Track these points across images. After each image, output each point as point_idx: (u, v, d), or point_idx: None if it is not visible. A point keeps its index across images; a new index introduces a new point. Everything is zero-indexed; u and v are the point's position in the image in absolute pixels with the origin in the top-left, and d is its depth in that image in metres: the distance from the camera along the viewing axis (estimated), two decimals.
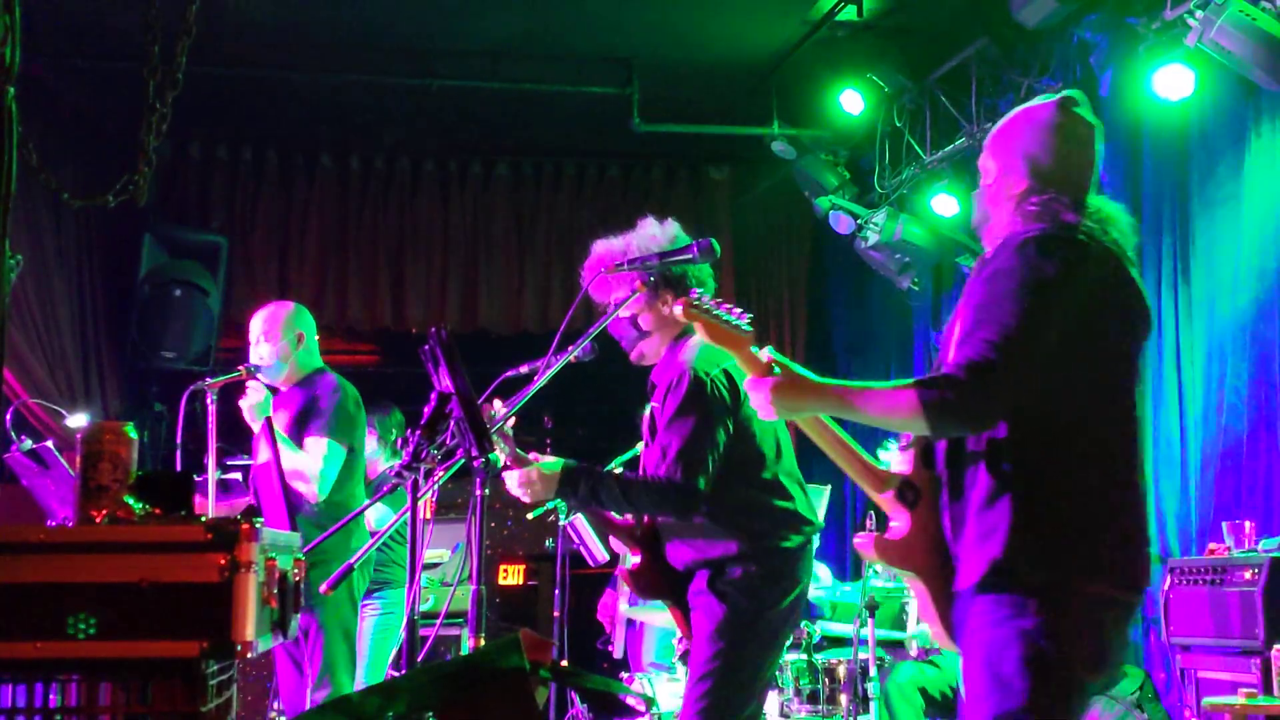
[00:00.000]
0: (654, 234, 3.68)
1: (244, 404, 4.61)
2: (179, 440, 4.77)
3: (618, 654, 7.02)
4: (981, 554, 2.49)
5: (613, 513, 3.68)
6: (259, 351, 4.80)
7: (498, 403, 3.50)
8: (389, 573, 5.84)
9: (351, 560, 3.30)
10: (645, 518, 3.70)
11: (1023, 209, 2.67)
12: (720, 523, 3.50)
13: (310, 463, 4.59)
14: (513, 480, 3.50)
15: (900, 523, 2.68)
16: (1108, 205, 2.72)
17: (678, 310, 2.71)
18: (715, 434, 3.47)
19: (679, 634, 4.22)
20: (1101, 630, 2.50)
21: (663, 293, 3.62)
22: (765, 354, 2.66)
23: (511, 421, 3.58)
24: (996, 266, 2.56)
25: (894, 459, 2.78)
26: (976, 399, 2.46)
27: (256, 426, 4.60)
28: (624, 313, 3.61)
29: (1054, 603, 2.45)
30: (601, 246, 3.71)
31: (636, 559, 3.69)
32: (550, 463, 3.52)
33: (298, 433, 4.67)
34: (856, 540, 2.78)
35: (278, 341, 4.79)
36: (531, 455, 3.55)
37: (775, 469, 3.57)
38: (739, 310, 2.73)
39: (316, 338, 4.95)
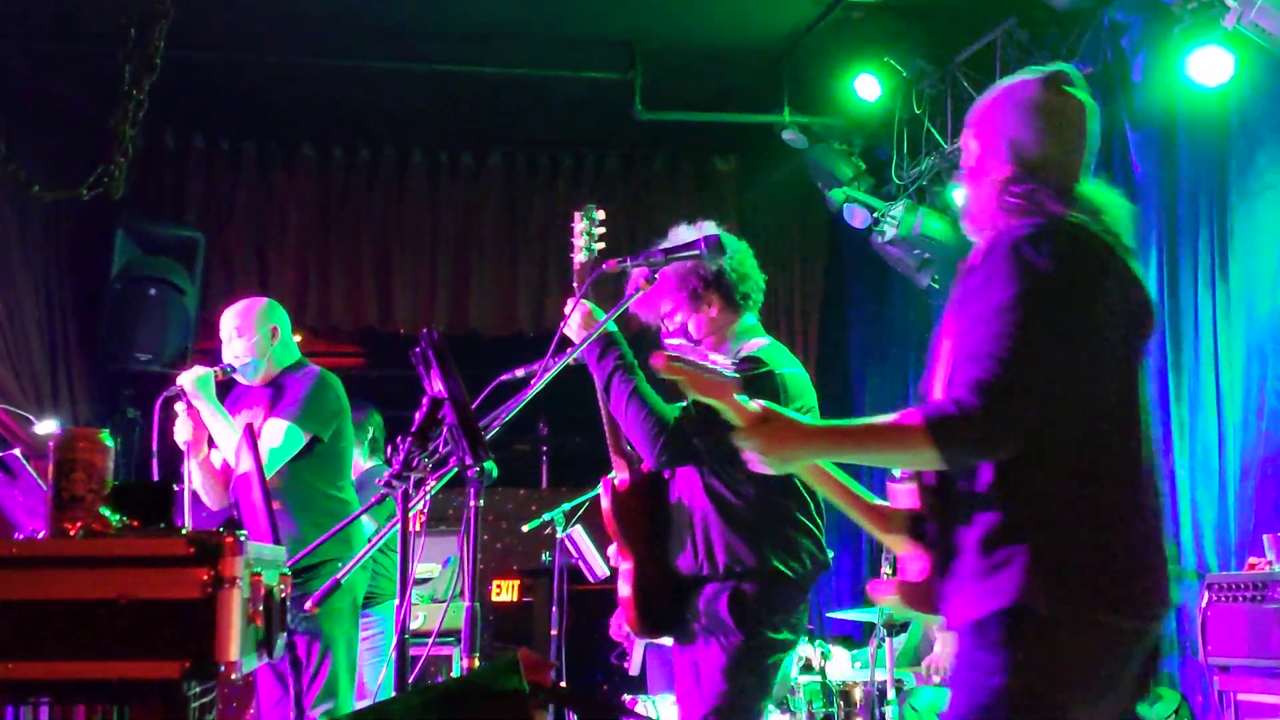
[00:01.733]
0: (686, 237, 3.71)
1: (183, 379, 4.62)
2: (154, 448, 4.77)
3: (634, 671, 7.00)
4: (986, 589, 2.41)
5: (607, 408, 3.71)
6: (232, 349, 4.80)
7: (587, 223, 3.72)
8: (375, 585, 5.85)
9: (338, 574, 3.31)
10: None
11: (1005, 199, 2.59)
12: (743, 528, 3.54)
13: (264, 444, 4.59)
14: (575, 313, 3.66)
15: (918, 564, 2.59)
16: (1100, 192, 2.63)
17: (655, 362, 2.64)
18: None
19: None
20: (1106, 663, 2.44)
21: (707, 295, 3.68)
22: (757, 404, 2.58)
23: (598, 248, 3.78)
24: (989, 272, 2.47)
25: (898, 493, 2.70)
26: (994, 423, 2.37)
27: (203, 410, 4.61)
28: (679, 318, 3.69)
29: (1055, 638, 2.38)
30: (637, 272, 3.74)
31: (624, 476, 3.70)
32: (600, 314, 3.65)
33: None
34: (871, 588, 2.71)
35: (252, 337, 4.80)
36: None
37: (807, 494, 3.63)
38: (723, 359, 2.70)
39: (292, 331, 4.96)
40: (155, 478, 4.60)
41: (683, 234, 3.73)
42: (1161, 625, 2.52)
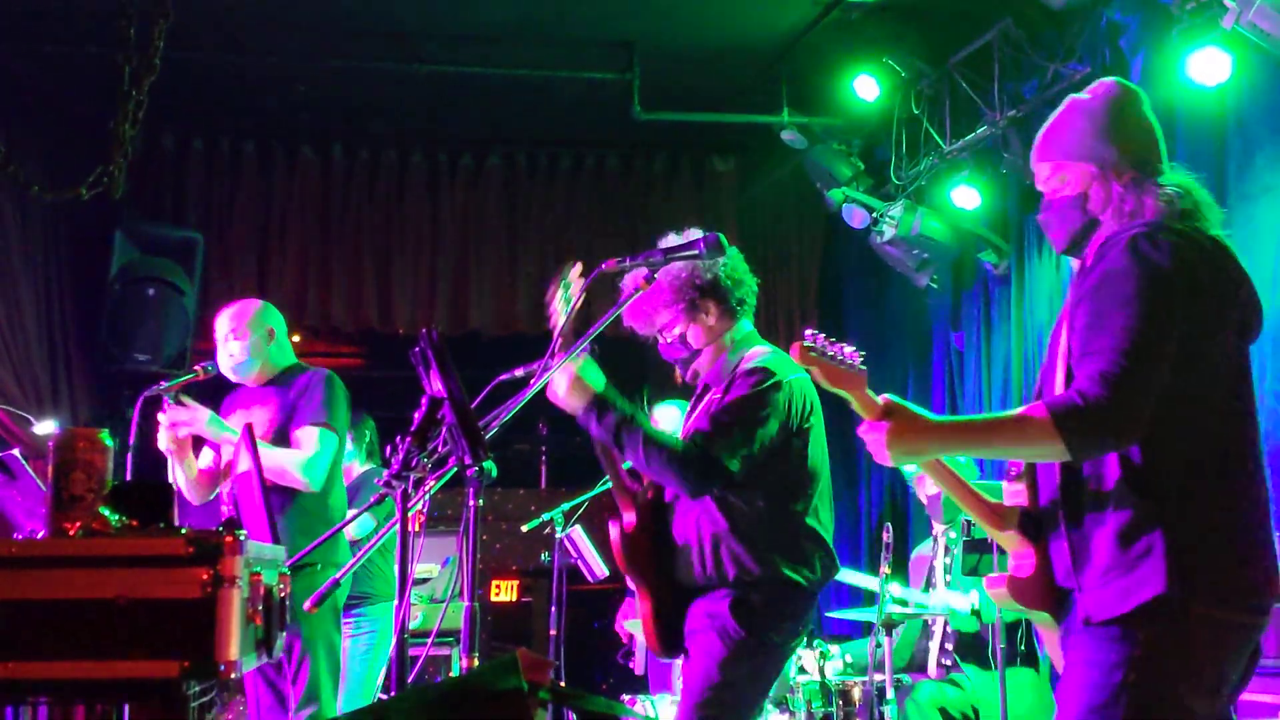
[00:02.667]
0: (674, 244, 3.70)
1: (172, 426, 4.59)
2: (130, 443, 4.75)
3: (639, 670, 7.01)
4: (1122, 586, 2.46)
5: (622, 460, 3.68)
6: (228, 350, 4.81)
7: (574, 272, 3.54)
8: (369, 586, 5.85)
9: (338, 575, 3.31)
10: (652, 493, 3.72)
11: (1120, 210, 2.65)
12: (751, 538, 3.54)
13: (295, 454, 4.60)
14: (559, 377, 3.52)
15: (1028, 560, 2.65)
16: (1187, 180, 2.70)
17: (793, 354, 2.67)
18: (767, 429, 3.54)
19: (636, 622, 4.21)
20: (1222, 656, 2.50)
21: (703, 304, 3.67)
22: (884, 398, 2.62)
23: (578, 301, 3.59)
24: (1107, 269, 2.52)
25: (1007, 492, 2.75)
26: (1119, 412, 2.42)
27: (224, 443, 4.61)
28: (667, 335, 3.68)
29: (1177, 629, 2.43)
30: (629, 280, 3.70)
31: (631, 517, 3.69)
32: (593, 374, 3.56)
33: (283, 430, 4.68)
34: (987, 582, 2.74)
35: (248, 338, 4.80)
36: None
37: (817, 500, 3.64)
38: (851, 349, 2.72)
39: (288, 332, 4.97)
40: (129, 477, 4.60)
41: (673, 242, 3.72)
42: (1269, 619, 2.56)
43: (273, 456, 4.55)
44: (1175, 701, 2.44)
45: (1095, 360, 2.45)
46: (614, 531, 3.69)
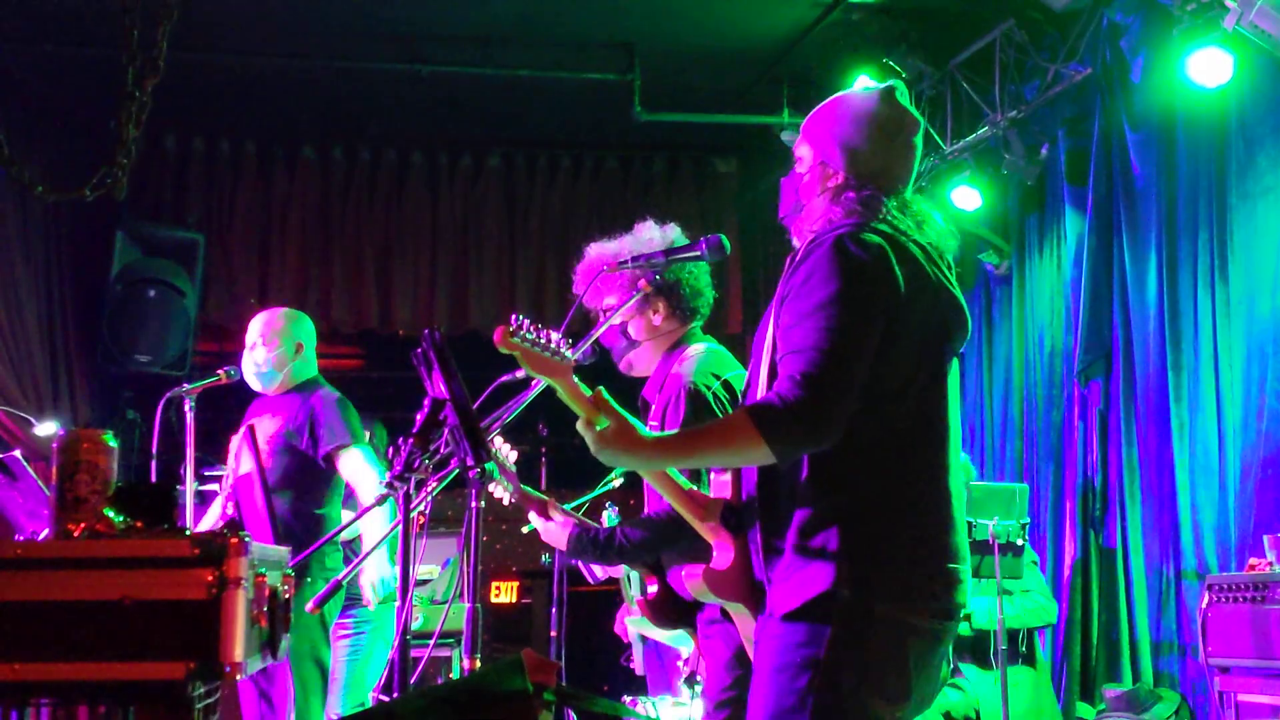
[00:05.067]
0: (652, 237, 3.68)
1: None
2: (154, 450, 4.77)
3: (640, 670, 7.01)
4: (801, 577, 2.48)
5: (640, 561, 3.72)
6: (254, 356, 4.79)
7: (499, 440, 3.56)
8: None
9: (340, 576, 3.31)
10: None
11: (840, 203, 2.66)
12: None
13: (363, 481, 4.67)
14: (542, 530, 3.68)
15: (727, 553, 2.67)
16: (924, 205, 2.74)
17: (495, 338, 2.65)
18: None
19: (686, 656, 4.24)
20: (904, 662, 2.48)
21: (654, 301, 3.65)
22: (596, 391, 2.61)
23: (513, 458, 3.73)
24: (811, 266, 2.52)
25: (714, 483, 2.76)
26: (820, 415, 2.42)
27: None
28: (616, 318, 3.63)
29: (856, 631, 2.44)
30: (595, 249, 3.71)
31: (654, 588, 3.70)
32: (558, 528, 3.65)
33: (287, 445, 4.69)
34: (684, 573, 2.74)
35: (275, 348, 4.79)
36: (549, 502, 3.71)
37: None
38: (559, 337, 2.69)
39: (315, 348, 4.95)
40: (153, 479, 4.61)
41: (649, 231, 3.69)
42: (955, 626, 2.57)
43: (367, 524, 4.62)
44: (858, 706, 2.45)
45: (796, 361, 2.45)
46: (640, 604, 3.72)
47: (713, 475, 2.81)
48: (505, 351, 2.67)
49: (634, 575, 3.88)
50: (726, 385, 3.54)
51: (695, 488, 2.79)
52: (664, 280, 3.62)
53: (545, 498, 3.74)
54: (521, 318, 2.68)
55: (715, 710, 3.50)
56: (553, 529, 3.68)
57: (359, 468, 4.72)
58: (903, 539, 2.50)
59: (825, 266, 2.50)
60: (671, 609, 3.72)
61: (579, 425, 2.59)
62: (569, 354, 2.68)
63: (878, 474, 2.51)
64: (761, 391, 2.58)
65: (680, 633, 3.80)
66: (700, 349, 3.65)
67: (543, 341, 2.67)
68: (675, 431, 2.67)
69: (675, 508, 2.77)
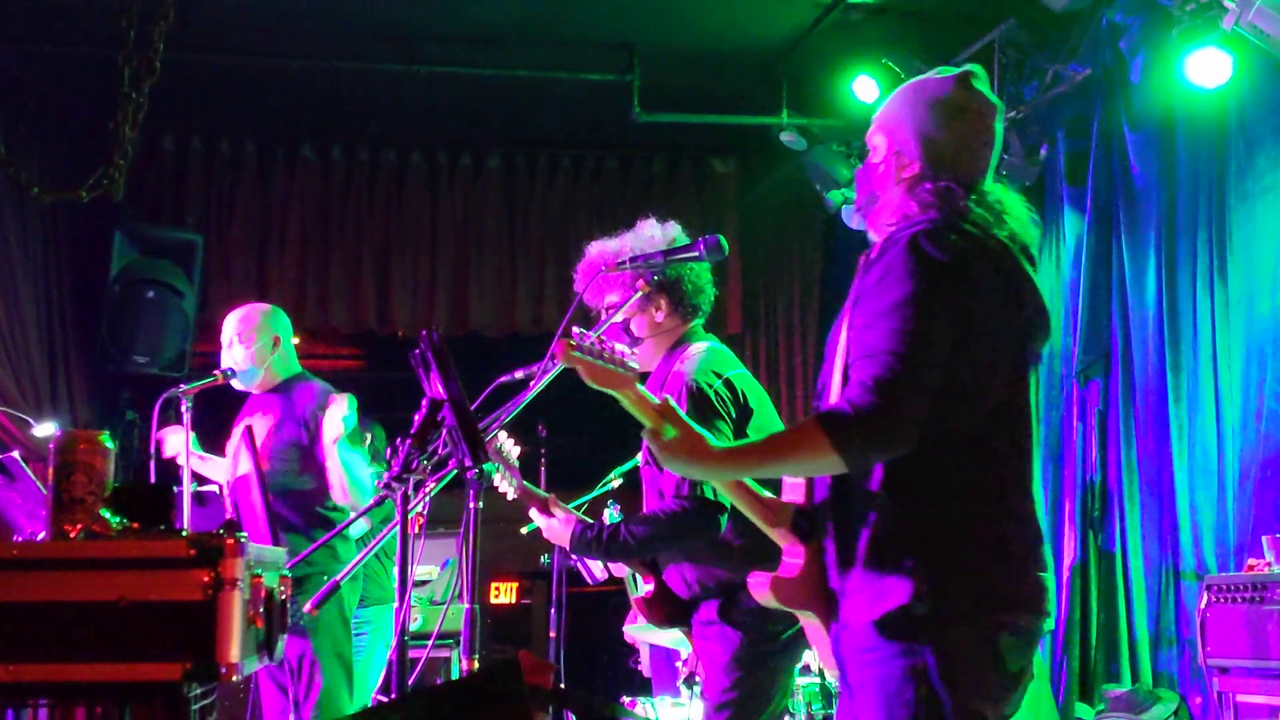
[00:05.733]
0: (653, 235, 3.69)
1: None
2: (152, 450, 4.77)
3: (648, 673, 7.00)
4: (878, 589, 2.42)
5: (641, 559, 3.72)
6: (232, 355, 4.80)
7: (503, 435, 3.56)
8: (366, 589, 5.84)
9: (337, 577, 3.31)
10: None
11: (916, 195, 2.58)
12: (728, 547, 3.53)
13: (349, 481, 4.67)
14: (544, 527, 3.72)
15: (796, 559, 2.61)
16: (1006, 194, 2.63)
17: (555, 351, 2.62)
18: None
19: (684, 657, 4.25)
20: (1000, 661, 2.44)
21: (656, 298, 3.66)
22: (661, 400, 2.56)
23: (517, 454, 3.77)
24: (886, 266, 2.45)
25: (786, 486, 2.70)
26: (891, 421, 2.35)
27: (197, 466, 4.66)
28: (618, 316, 3.63)
29: (950, 638, 2.39)
30: (596, 248, 3.73)
31: (649, 586, 3.71)
32: (561, 525, 3.68)
33: (283, 443, 4.68)
34: (750, 581, 2.67)
35: (252, 345, 4.79)
36: (550, 498, 3.75)
37: None
38: (623, 350, 2.67)
39: (294, 341, 4.96)
40: (153, 480, 4.61)
41: (650, 229, 3.70)
42: (1042, 628, 2.52)
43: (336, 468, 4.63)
44: (964, 712, 2.40)
45: (869, 365, 2.38)
46: (636, 602, 3.74)
47: (785, 479, 2.73)
48: (567, 365, 2.63)
49: (636, 576, 3.88)
50: (728, 383, 3.55)
51: (769, 494, 2.73)
52: (665, 277, 3.63)
53: (547, 495, 3.75)
54: (582, 331, 2.66)
55: (715, 712, 3.51)
56: (555, 526, 3.69)
57: (349, 466, 4.68)
58: (984, 543, 2.43)
59: (900, 266, 2.42)
60: (667, 608, 3.72)
61: (645, 435, 2.54)
62: (634, 364, 2.64)
63: (954, 480, 2.44)
64: (834, 396, 2.52)
65: (678, 635, 3.81)
66: (702, 347, 3.67)
67: (606, 354, 2.63)
68: (745, 441, 2.60)
69: (744, 512, 2.70)
